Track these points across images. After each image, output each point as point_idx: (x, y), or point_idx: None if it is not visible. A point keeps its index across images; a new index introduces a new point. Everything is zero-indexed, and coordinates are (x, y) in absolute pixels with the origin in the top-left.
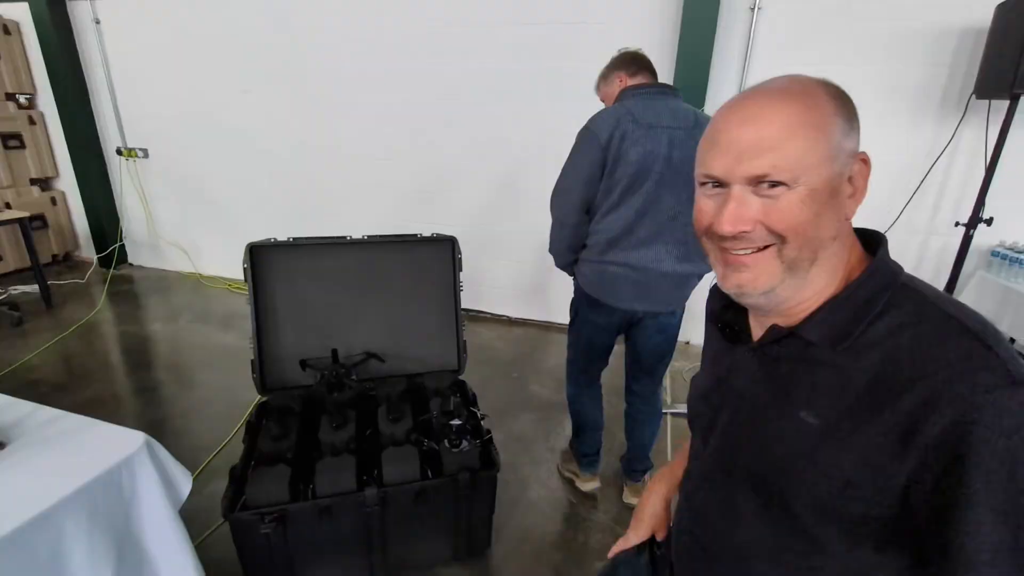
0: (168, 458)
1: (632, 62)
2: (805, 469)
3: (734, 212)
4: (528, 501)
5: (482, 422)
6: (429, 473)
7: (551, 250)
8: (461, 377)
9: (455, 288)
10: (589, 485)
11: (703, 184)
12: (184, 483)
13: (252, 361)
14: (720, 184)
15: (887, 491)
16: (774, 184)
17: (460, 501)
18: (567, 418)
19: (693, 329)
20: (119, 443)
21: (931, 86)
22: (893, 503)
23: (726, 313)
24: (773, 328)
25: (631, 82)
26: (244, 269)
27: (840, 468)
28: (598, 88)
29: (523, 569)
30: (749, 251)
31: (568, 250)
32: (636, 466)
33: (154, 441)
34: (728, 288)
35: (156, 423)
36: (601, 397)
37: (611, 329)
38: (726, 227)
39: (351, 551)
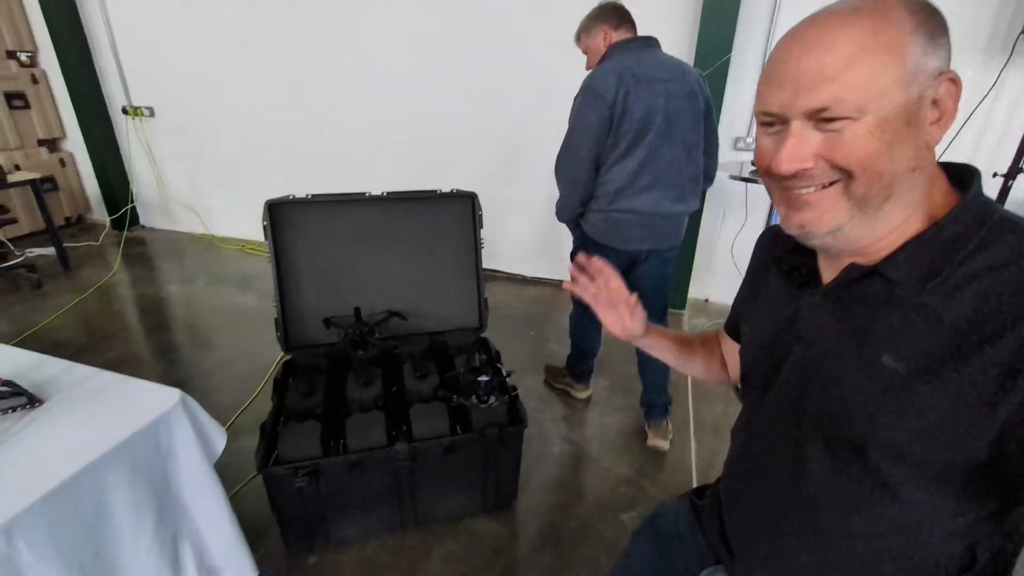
0: (203, 414)
1: (614, 14)
2: (887, 416)
3: (792, 149)
4: (552, 455)
5: (508, 379)
6: (458, 429)
7: (559, 207)
8: (483, 335)
9: (476, 245)
10: (584, 393)
11: (762, 124)
12: (219, 439)
13: (276, 320)
14: (779, 121)
15: (978, 436)
16: (836, 118)
17: (488, 456)
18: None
19: (711, 285)
20: (155, 400)
21: (976, 25)
22: (983, 448)
23: (792, 257)
24: (851, 267)
25: (615, 35)
26: (264, 227)
27: (927, 414)
28: (579, 39)
29: (549, 520)
30: (812, 189)
31: (578, 203)
32: (656, 401)
33: (189, 398)
34: (791, 229)
35: (180, 383)
36: (601, 326)
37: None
38: (784, 166)
39: (381, 503)
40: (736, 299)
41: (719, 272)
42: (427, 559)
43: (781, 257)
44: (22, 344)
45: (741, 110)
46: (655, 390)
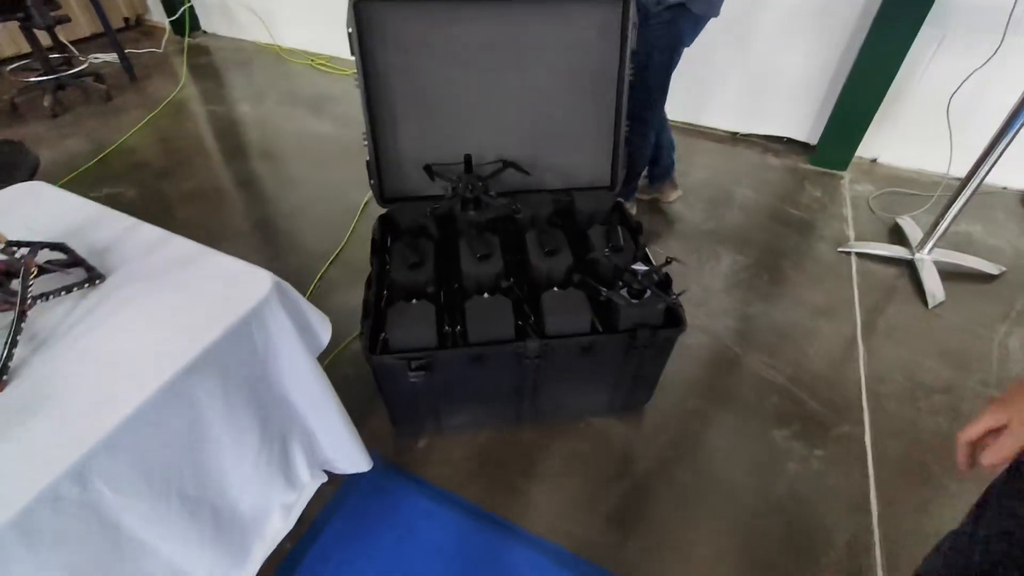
0: (301, 301)
1: None
2: None
3: None
4: (685, 348)
5: (667, 267)
6: (597, 325)
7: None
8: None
9: (622, 72)
10: (674, 194)
11: None
12: (323, 329)
13: (368, 163)
14: None
15: None
16: None
17: (631, 359)
18: (721, 246)
19: (884, 142)
20: (244, 286)
21: None
22: None
23: None
24: None
25: None
26: (349, 35)
27: None
28: None
29: (685, 429)
30: None
31: None
32: (669, 168)
33: (284, 283)
34: None
35: (262, 223)
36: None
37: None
38: None
39: (498, 396)
40: None
41: (903, 125)
42: (546, 456)
43: None
44: (104, 164)
45: None
46: (670, 161)
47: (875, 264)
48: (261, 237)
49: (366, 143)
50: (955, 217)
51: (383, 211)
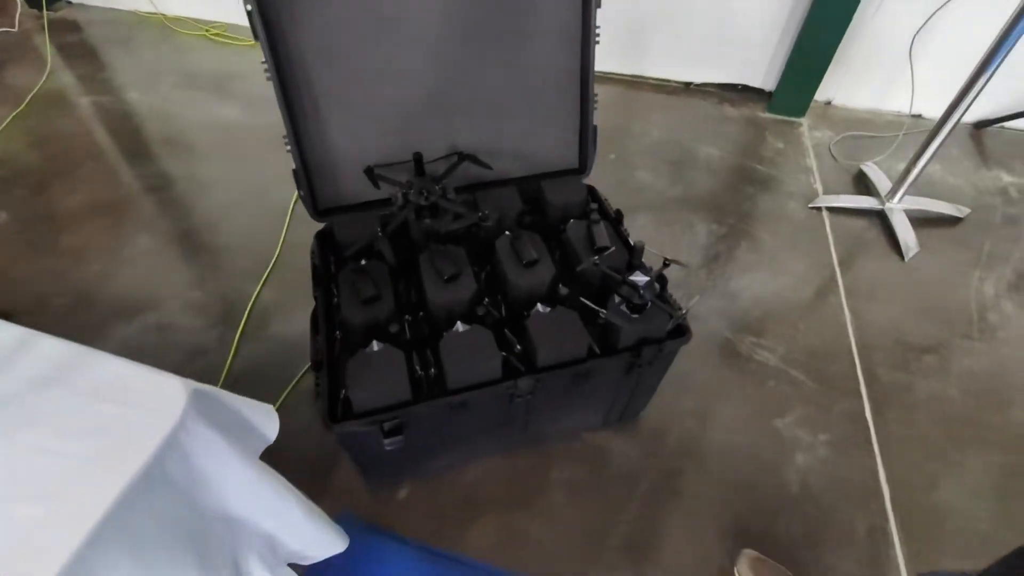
0: (234, 403)
1: None
2: None
3: None
4: None
5: (666, 269)
6: (594, 346)
7: None
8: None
9: (586, 33)
10: None
11: None
12: (268, 424)
13: (294, 171)
14: None
15: None
16: None
17: (632, 375)
18: (694, 215)
19: (839, 83)
20: (147, 410)
21: None
22: None
23: None
24: None
25: None
26: (248, 13)
27: None
28: None
29: (684, 433)
30: None
31: None
32: None
33: (206, 390)
34: None
35: (176, 240)
36: None
37: None
38: None
39: (486, 434)
40: None
41: (858, 65)
42: (544, 485)
43: None
44: None
45: None
46: None
47: (847, 218)
48: (177, 258)
49: (288, 148)
50: (927, 163)
51: (320, 225)
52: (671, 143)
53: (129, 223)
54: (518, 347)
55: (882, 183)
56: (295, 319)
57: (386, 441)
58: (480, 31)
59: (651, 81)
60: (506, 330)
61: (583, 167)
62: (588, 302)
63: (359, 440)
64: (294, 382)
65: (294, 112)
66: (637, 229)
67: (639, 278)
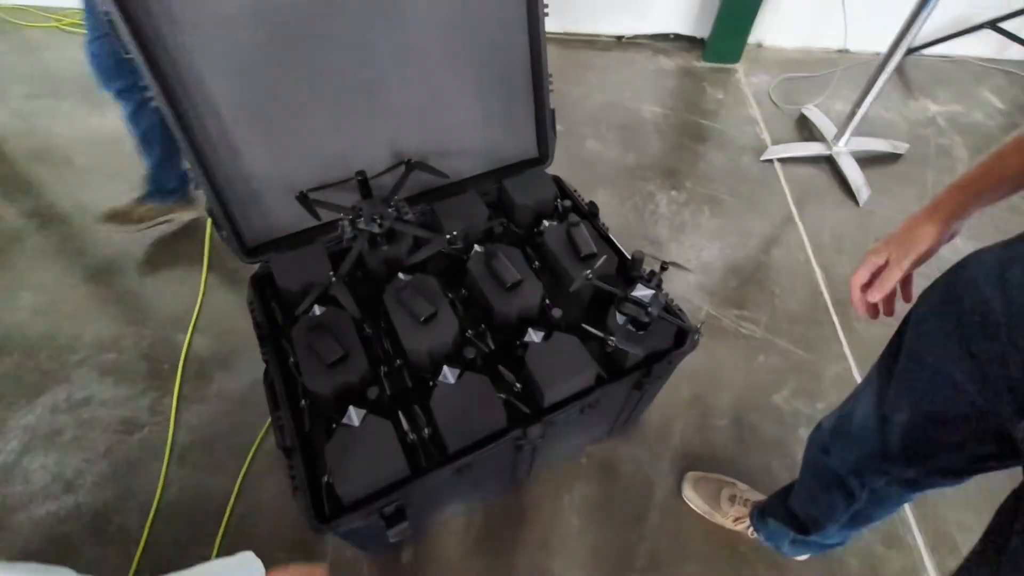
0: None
1: None
2: None
3: None
4: None
5: (664, 271)
6: (600, 372)
7: None
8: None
9: (533, 7)
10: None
11: None
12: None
13: (210, 211)
14: None
15: None
16: None
17: (638, 391)
18: (651, 184)
19: (769, 25)
20: None
21: None
22: None
23: None
24: None
25: None
26: (108, 20)
27: None
28: None
29: (689, 426)
30: None
31: None
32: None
33: None
34: None
35: (81, 285)
36: None
37: None
38: None
39: (490, 481)
40: None
41: (787, 4)
42: (558, 513)
43: None
44: None
45: None
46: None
47: (798, 167)
48: (80, 312)
49: (192, 177)
50: (872, 102)
51: (253, 268)
52: (614, 106)
53: (7, 274)
54: (517, 386)
55: (826, 126)
56: (239, 368)
57: (390, 532)
58: (408, 16)
59: (582, 38)
60: (500, 367)
61: (544, 156)
62: (591, 328)
63: (356, 535)
64: (253, 448)
65: (194, 139)
66: (600, 208)
67: (642, 292)
